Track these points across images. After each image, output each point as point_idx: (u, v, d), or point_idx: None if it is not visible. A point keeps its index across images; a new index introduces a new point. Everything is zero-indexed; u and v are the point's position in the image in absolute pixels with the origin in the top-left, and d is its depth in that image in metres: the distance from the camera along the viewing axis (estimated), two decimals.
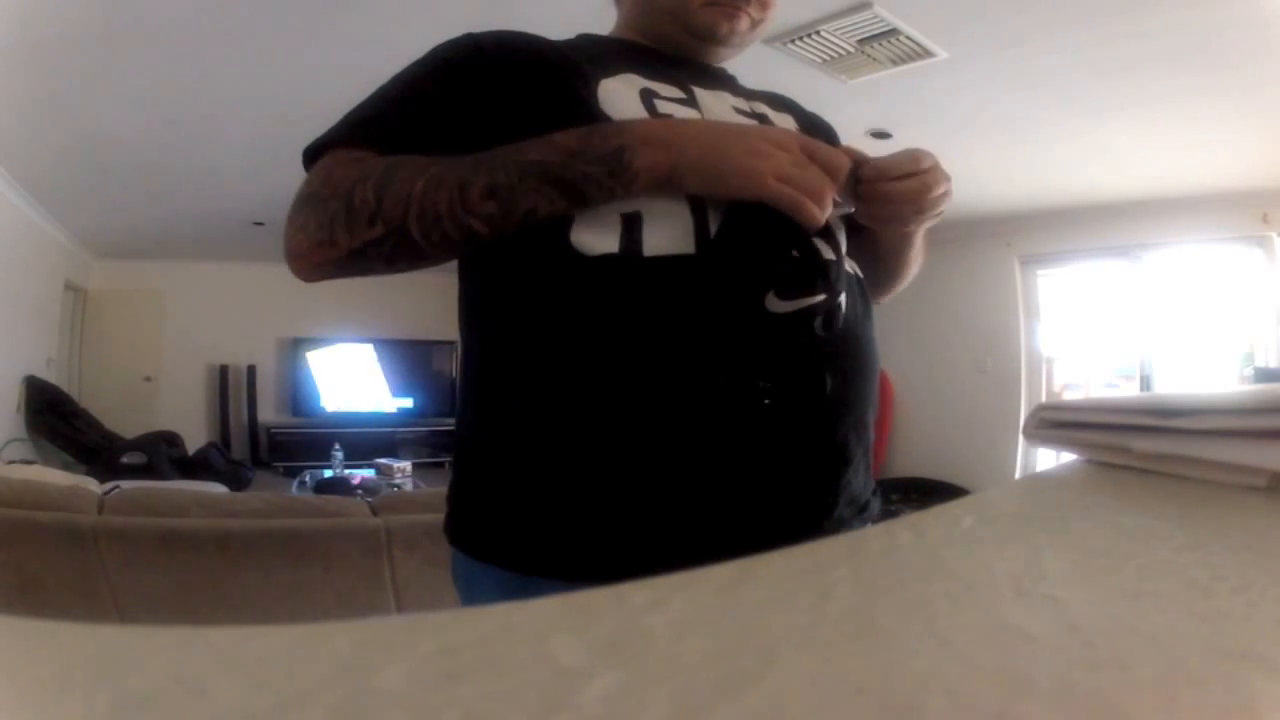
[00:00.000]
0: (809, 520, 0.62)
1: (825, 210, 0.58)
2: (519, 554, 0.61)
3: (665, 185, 0.59)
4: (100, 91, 2.80)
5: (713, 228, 0.61)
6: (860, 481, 0.66)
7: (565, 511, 0.60)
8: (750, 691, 0.15)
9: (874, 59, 2.54)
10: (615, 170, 0.57)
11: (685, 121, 0.65)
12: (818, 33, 2.35)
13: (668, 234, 0.60)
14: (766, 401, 0.59)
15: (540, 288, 0.62)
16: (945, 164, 0.65)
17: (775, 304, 0.61)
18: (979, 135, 3.24)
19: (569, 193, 0.58)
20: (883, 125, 3.17)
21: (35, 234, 4.67)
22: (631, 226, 0.60)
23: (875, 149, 0.65)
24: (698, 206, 0.61)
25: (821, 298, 0.63)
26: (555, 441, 0.60)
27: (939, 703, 0.15)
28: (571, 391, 0.60)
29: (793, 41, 2.41)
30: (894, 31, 2.34)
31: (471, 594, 0.65)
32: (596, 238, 0.60)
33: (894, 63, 2.57)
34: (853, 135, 3.17)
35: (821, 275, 0.64)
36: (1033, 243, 4.84)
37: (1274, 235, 3.88)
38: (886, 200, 0.63)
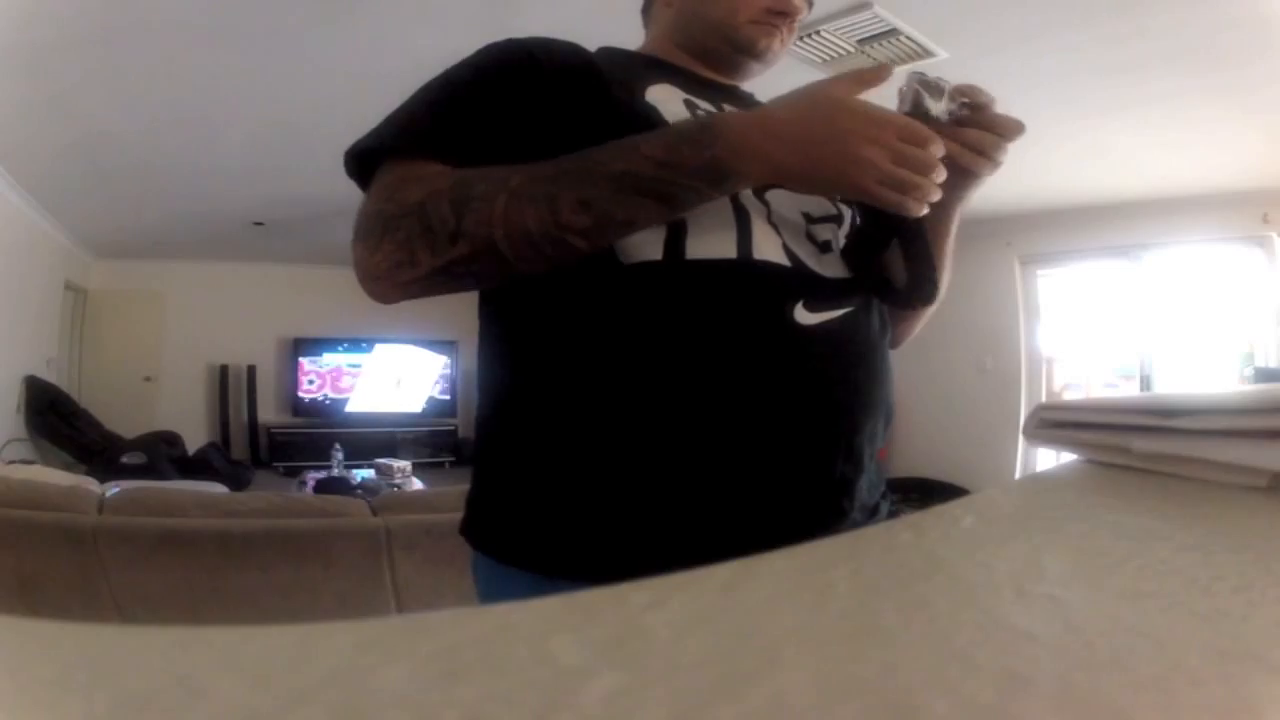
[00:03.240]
0: (824, 526, 0.62)
1: (932, 196, 0.57)
2: (548, 557, 0.61)
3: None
4: (100, 91, 2.80)
5: (755, 236, 0.63)
6: (870, 485, 0.67)
7: (594, 513, 0.60)
8: (750, 691, 0.15)
9: (874, 59, 2.54)
10: (715, 181, 0.57)
11: (770, 125, 0.59)
12: (818, 33, 2.35)
13: (710, 241, 0.62)
14: (789, 409, 0.61)
15: (577, 292, 0.62)
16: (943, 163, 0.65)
17: (803, 315, 0.62)
18: None
19: (668, 203, 0.57)
20: None
21: (35, 234, 4.67)
22: (677, 234, 0.61)
23: None
24: (742, 216, 0.63)
25: (847, 310, 0.65)
26: (585, 444, 0.61)
27: (939, 703, 0.15)
28: (605, 396, 0.61)
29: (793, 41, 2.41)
30: (894, 31, 2.34)
31: (493, 598, 0.66)
32: (641, 244, 0.61)
33: (894, 63, 2.57)
34: None
35: (849, 290, 0.66)
36: (1033, 243, 4.83)
37: (1274, 235, 3.88)
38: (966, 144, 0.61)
